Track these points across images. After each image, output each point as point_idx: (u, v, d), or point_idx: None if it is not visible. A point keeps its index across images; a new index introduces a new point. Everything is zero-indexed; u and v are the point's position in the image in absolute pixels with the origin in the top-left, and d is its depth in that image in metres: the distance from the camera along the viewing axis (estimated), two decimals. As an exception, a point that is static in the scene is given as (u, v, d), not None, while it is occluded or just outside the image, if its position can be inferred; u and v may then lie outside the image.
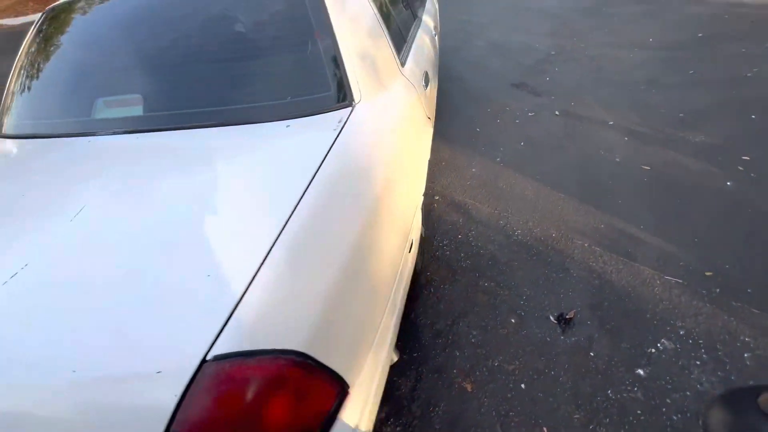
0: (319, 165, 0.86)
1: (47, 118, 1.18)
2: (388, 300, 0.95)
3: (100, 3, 1.28)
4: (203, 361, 0.55)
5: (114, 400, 0.56)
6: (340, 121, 1.00)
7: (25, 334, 0.63)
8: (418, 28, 1.97)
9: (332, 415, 0.69)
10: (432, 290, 1.61)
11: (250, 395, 0.57)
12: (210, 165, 0.94)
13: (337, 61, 1.07)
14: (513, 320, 1.44)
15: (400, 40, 1.53)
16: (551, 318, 1.44)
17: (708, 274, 1.51)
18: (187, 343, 0.57)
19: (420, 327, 1.48)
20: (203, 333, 0.58)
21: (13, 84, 1.23)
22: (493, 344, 1.38)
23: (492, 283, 1.58)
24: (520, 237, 1.81)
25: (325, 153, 0.89)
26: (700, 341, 1.29)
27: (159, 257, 0.71)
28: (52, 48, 1.25)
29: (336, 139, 0.94)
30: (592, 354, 1.30)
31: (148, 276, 0.68)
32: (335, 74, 1.08)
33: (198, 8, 1.20)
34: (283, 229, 0.72)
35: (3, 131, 1.18)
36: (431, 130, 1.50)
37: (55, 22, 1.27)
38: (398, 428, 1.19)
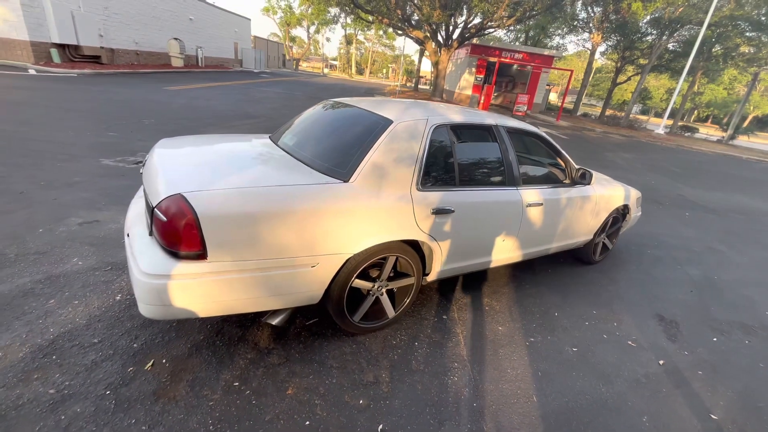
0: (280, 184, 1.75)
1: (277, 137, 2.54)
2: (273, 261, 1.68)
3: (307, 115, 2.69)
4: (179, 194, 1.55)
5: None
6: (325, 182, 1.83)
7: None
8: (500, 196, 2.41)
9: (187, 257, 1.55)
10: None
11: (175, 211, 1.51)
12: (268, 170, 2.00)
13: (360, 160, 1.92)
14: None
15: (447, 182, 2.22)
16: None
17: None
18: (188, 186, 1.60)
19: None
20: (194, 187, 1.60)
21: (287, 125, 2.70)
22: None
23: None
24: None
25: (293, 184, 1.76)
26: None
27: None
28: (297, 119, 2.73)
29: (307, 185, 1.78)
30: None
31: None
32: (354, 165, 1.91)
33: (331, 120, 2.47)
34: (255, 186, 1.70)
35: (272, 137, 2.59)
36: (410, 232, 2.04)
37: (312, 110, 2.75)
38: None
